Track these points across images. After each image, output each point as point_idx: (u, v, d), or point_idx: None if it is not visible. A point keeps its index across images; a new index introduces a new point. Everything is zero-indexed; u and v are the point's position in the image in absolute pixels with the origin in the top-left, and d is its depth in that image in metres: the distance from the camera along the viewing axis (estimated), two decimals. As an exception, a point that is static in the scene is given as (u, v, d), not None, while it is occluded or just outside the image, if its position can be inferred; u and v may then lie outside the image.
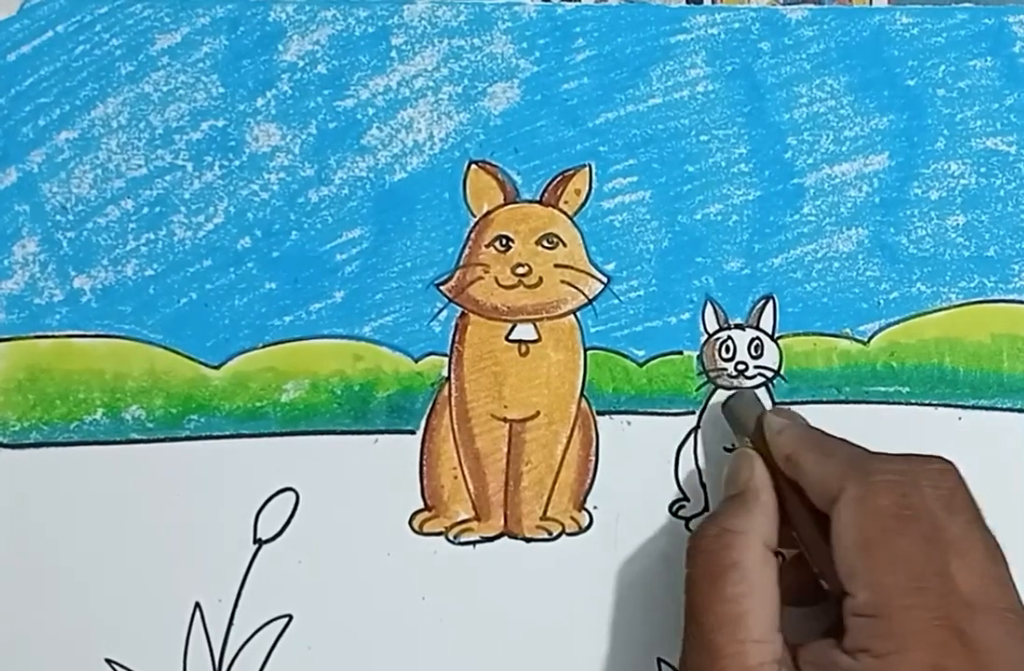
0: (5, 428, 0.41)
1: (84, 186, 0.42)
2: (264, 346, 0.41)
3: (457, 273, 0.41)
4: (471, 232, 0.42)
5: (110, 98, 0.42)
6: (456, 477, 0.41)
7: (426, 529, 0.41)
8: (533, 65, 0.42)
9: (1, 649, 0.40)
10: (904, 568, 0.31)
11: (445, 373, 0.41)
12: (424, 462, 0.41)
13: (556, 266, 0.41)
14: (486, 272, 0.41)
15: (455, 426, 0.41)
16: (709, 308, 0.42)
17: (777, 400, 0.41)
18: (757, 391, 0.41)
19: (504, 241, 0.41)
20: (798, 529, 0.35)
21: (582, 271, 0.41)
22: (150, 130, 0.42)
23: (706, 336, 0.41)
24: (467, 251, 0.42)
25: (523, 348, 0.41)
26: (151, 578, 0.40)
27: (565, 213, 0.42)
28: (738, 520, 0.35)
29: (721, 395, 0.41)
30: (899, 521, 0.32)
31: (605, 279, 0.42)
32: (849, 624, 0.31)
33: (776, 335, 0.42)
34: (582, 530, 0.41)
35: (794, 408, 0.41)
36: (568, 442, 0.41)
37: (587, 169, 0.42)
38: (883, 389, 0.41)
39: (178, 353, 0.41)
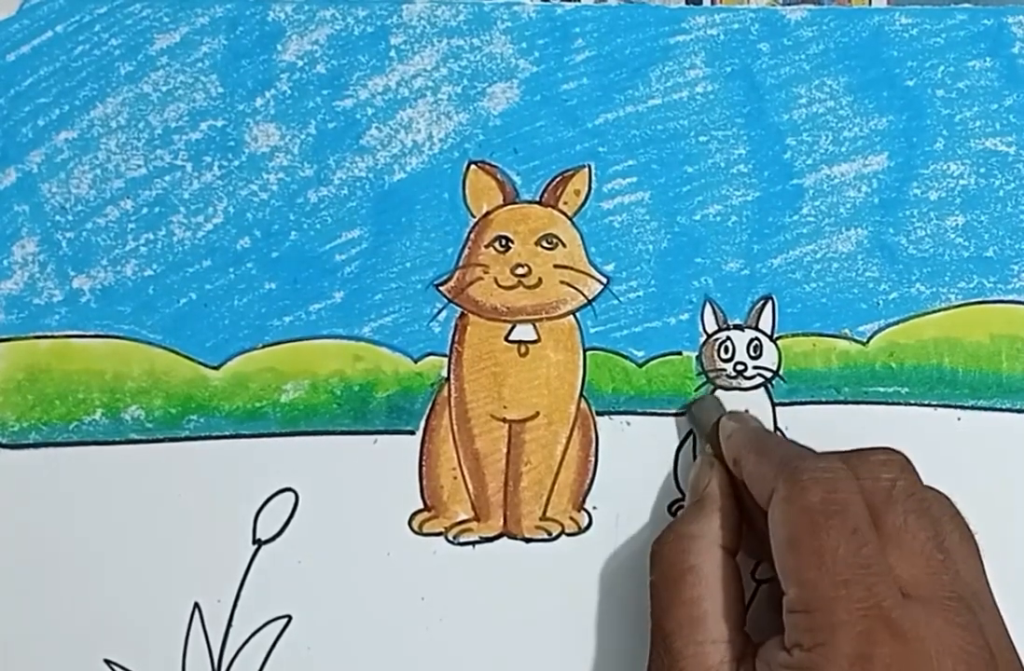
0: (4, 428, 0.41)
1: (83, 186, 0.41)
2: (264, 346, 0.41)
3: (456, 273, 0.41)
4: (470, 232, 0.42)
5: (109, 98, 0.42)
6: (455, 477, 0.41)
7: (425, 529, 0.41)
8: (532, 65, 0.42)
9: (1, 649, 0.40)
10: (829, 562, 0.31)
11: (445, 373, 0.41)
12: (423, 462, 0.41)
13: (555, 267, 0.41)
14: (485, 272, 0.41)
15: (455, 426, 0.41)
16: (708, 309, 0.42)
17: (776, 400, 0.41)
18: (756, 392, 0.41)
19: (503, 241, 0.41)
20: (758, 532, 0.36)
21: (581, 272, 0.41)
22: (149, 130, 0.42)
23: (705, 337, 0.41)
24: (466, 251, 0.42)
25: (522, 348, 0.41)
26: (150, 578, 0.40)
27: (564, 214, 0.42)
28: (695, 525, 0.36)
29: (721, 395, 0.41)
30: (825, 516, 0.32)
31: (604, 280, 0.42)
32: (785, 621, 0.32)
33: (775, 336, 0.42)
34: (581, 530, 0.41)
35: (793, 409, 0.41)
36: (567, 442, 0.41)
37: (586, 170, 0.42)
38: (882, 390, 0.42)
39: (178, 353, 0.41)
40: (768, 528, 0.34)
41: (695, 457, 0.41)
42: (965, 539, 0.34)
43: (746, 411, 0.41)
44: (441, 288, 0.41)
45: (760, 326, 0.42)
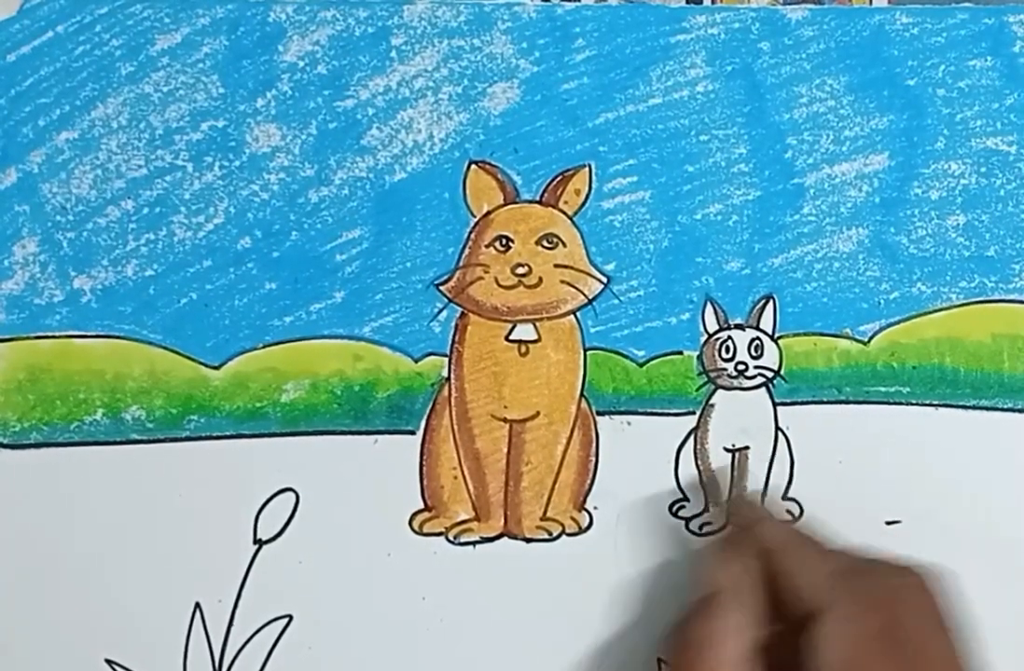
0: (5, 428, 0.41)
1: (84, 186, 0.42)
2: (264, 346, 0.41)
3: (457, 273, 0.41)
4: (471, 232, 0.42)
5: (110, 98, 0.42)
6: (456, 477, 0.41)
7: (426, 529, 0.41)
8: (533, 65, 0.42)
9: (1, 649, 0.40)
10: None
11: (445, 373, 0.41)
12: (424, 462, 0.41)
13: (556, 266, 0.41)
14: (486, 272, 0.41)
15: (455, 426, 0.41)
16: (709, 308, 0.42)
17: (777, 400, 0.41)
18: (757, 391, 0.41)
19: (504, 241, 0.41)
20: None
21: (582, 271, 0.41)
22: (150, 130, 0.42)
23: (706, 336, 0.41)
24: (467, 251, 0.42)
25: (523, 348, 0.41)
26: (151, 578, 0.40)
27: (565, 213, 0.42)
28: (707, 627, 0.34)
29: (722, 395, 0.41)
30: (884, 643, 0.32)
31: (605, 279, 0.42)
32: None
33: (776, 335, 0.42)
34: (582, 530, 0.41)
35: (794, 408, 0.41)
36: (568, 442, 0.41)
37: (587, 169, 0.42)
38: (883, 389, 0.41)
39: (178, 353, 0.41)
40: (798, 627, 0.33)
41: (696, 457, 0.41)
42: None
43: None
44: (441, 288, 0.41)
45: (761, 326, 0.42)
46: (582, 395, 0.41)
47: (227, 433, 0.41)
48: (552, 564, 0.41)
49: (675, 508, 0.41)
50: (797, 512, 0.41)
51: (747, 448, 0.41)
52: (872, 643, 0.32)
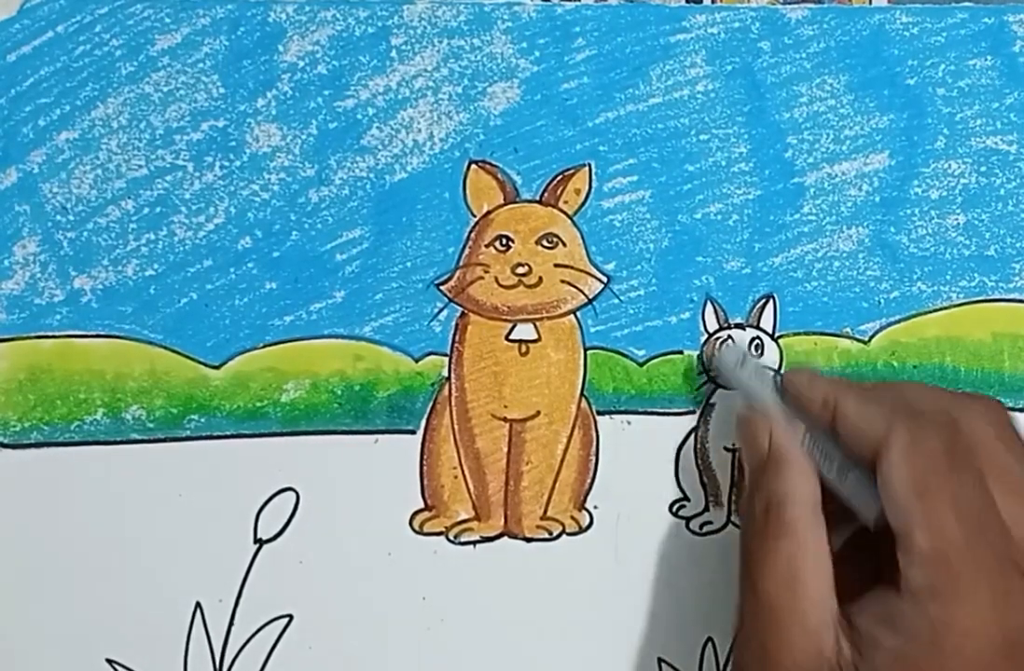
0: (6, 428, 0.41)
1: (84, 186, 0.42)
2: (264, 346, 0.41)
3: (457, 273, 0.41)
4: (471, 232, 0.42)
5: (110, 98, 0.42)
6: (456, 477, 0.41)
7: (426, 529, 0.41)
8: (533, 65, 0.42)
9: (1, 649, 0.40)
10: (961, 508, 0.31)
11: (445, 373, 0.41)
12: (424, 462, 0.41)
13: (556, 266, 0.41)
14: (486, 272, 0.41)
15: (455, 426, 0.41)
16: (709, 307, 0.42)
17: (777, 399, 0.41)
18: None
19: (504, 241, 0.41)
20: (830, 471, 0.35)
21: (582, 271, 0.41)
22: (150, 130, 0.42)
23: (706, 335, 0.41)
24: (467, 251, 0.42)
25: (523, 348, 0.41)
26: (152, 578, 0.40)
27: (565, 213, 0.42)
28: (780, 484, 0.34)
29: (722, 394, 0.41)
30: (953, 460, 0.31)
31: (605, 279, 0.42)
32: (908, 569, 0.31)
33: (776, 334, 0.42)
34: (582, 530, 0.41)
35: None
36: (568, 442, 0.41)
37: (587, 169, 0.42)
38: (884, 388, 0.41)
39: (178, 353, 0.41)
40: (850, 475, 0.33)
41: (696, 456, 0.41)
42: None
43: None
44: (442, 287, 0.41)
45: (761, 325, 0.42)
46: (582, 395, 0.41)
47: (227, 433, 0.41)
48: (552, 563, 0.41)
49: (675, 508, 0.41)
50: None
51: (747, 447, 0.41)
52: (938, 460, 0.31)
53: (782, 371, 0.41)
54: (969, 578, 0.30)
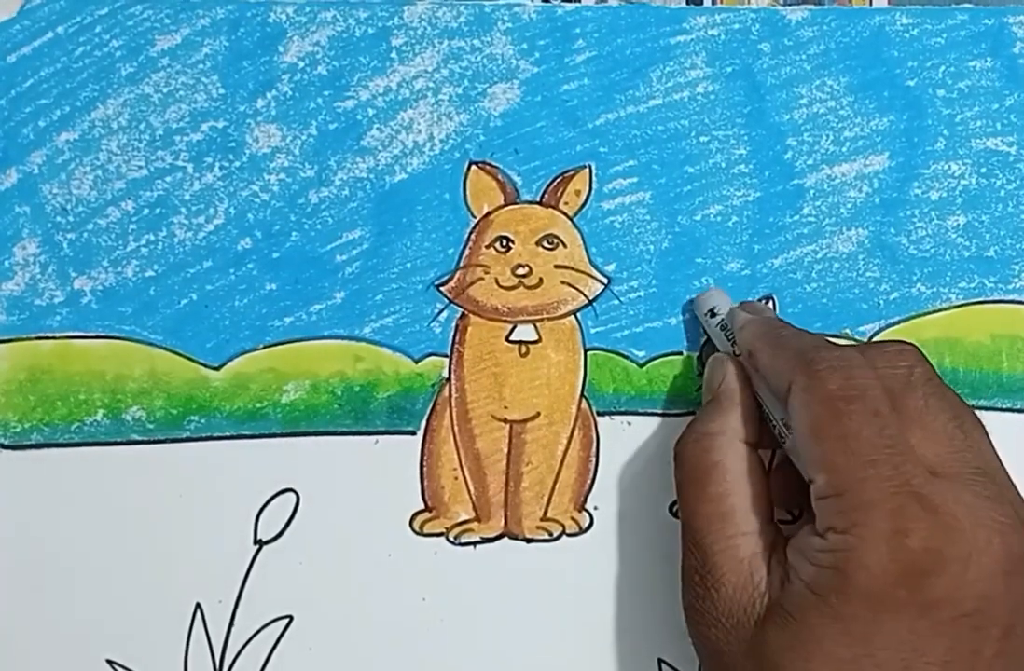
0: (6, 429, 0.41)
1: (84, 187, 0.42)
2: (264, 347, 0.41)
3: (457, 274, 0.42)
4: (471, 233, 0.42)
5: (110, 99, 0.42)
6: (456, 478, 0.41)
7: (426, 530, 0.41)
8: (533, 66, 0.42)
9: (1, 649, 0.40)
10: (854, 445, 0.31)
11: (445, 374, 0.41)
12: (424, 463, 0.41)
13: (556, 267, 0.41)
14: (486, 273, 0.41)
15: (455, 427, 0.41)
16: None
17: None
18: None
19: (504, 242, 0.41)
20: (775, 423, 0.36)
21: (582, 272, 0.42)
22: (150, 131, 0.42)
23: (706, 337, 0.41)
24: (467, 252, 0.42)
25: (523, 349, 0.41)
26: (152, 579, 0.40)
27: (565, 214, 0.42)
28: (714, 423, 0.36)
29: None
30: (845, 402, 0.32)
31: (605, 280, 0.42)
32: (816, 508, 0.32)
33: (776, 336, 0.42)
34: (583, 531, 0.41)
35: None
36: (568, 443, 0.41)
37: (587, 170, 0.42)
38: (883, 389, 0.41)
39: (178, 354, 0.41)
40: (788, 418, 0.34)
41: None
42: (977, 422, 0.34)
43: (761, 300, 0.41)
44: (442, 288, 0.41)
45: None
46: (582, 396, 0.41)
47: (227, 434, 0.41)
48: (552, 564, 0.41)
49: (675, 508, 0.41)
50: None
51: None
52: (832, 403, 0.32)
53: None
54: (862, 511, 0.30)
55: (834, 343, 0.35)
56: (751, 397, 0.37)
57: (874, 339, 0.42)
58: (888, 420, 0.32)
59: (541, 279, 0.41)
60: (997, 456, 0.34)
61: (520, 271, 0.41)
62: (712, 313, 0.40)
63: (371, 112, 0.42)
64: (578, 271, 0.41)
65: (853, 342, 0.42)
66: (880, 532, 0.30)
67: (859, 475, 0.31)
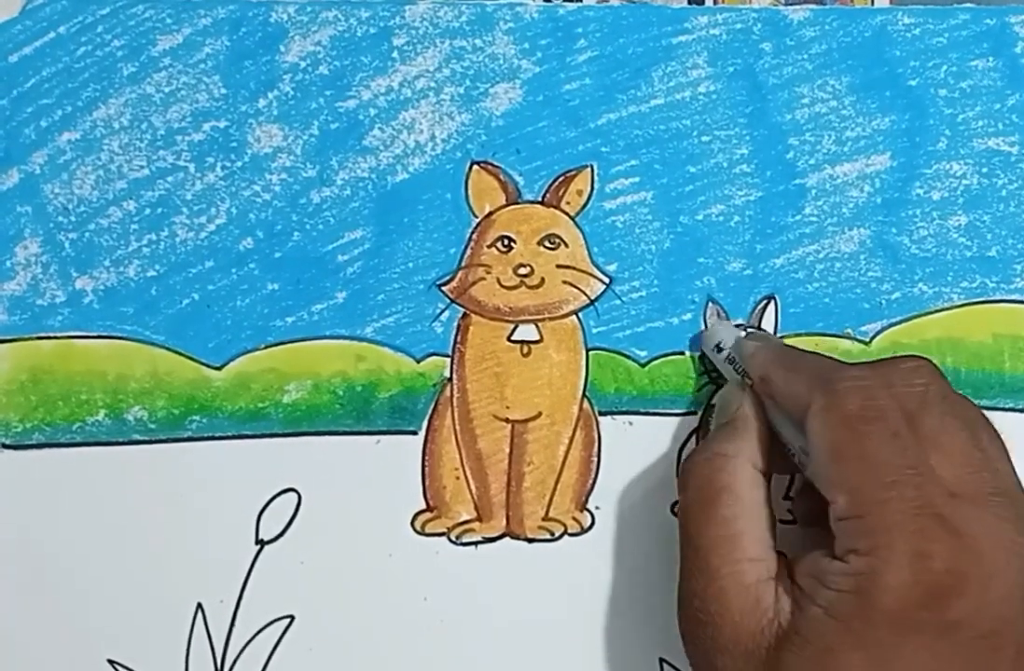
0: (8, 429, 0.41)
1: (86, 187, 0.42)
2: (266, 347, 0.41)
3: (459, 274, 0.41)
4: (473, 233, 0.42)
5: (112, 99, 0.42)
6: (458, 478, 0.41)
7: (428, 530, 0.41)
8: (535, 66, 0.42)
9: (2, 649, 0.40)
10: (874, 467, 0.31)
11: (447, 374, 0.41)
12: (426, 463, 0.41)
13: (558, 267, 0.41)
14: (488, 273, 0.41)
15: (457, 427, 0.41)
16: (711, 308, 0.42)
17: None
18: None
19: (506, 242, 0.41)
20: (792, 449, 0.35)
21: (584, 272, 0.41)
22: (152, 131, 0.42)
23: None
24: (469, 252, 0.42)
25: (525, 349, 0.41)
26: (153, 579, 0.40)
27: (567, 214, 0.42)
28: (728, 445, 0.36)
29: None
30: (865, 423, 0.32)
31: (607, 280, 0.42)
32: (835, 530, 0.32)
33: (778, 335, 0.42)
34: (584, 530, 0.41)
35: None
36: (570, 443, 0.41)
37: (589, 170, 0.42)
38: (885, 389, 0.41)
39: (180, 354, 0.41)
40: (806, 441, 0.34)
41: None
42: (995, 438, 0.34)
43: (760, 329, 0.41)
44: (444, 288, 0.41)
45: (763, 326, 0.42)
46: (584, 395, 0.41)
47: (229, 433, 0.41)
48: (554, 564, 0.41)
49: (677, 508, 0.41)
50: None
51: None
52: (851, 422, 0.32)
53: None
54: (884, 534, 0.30)
55: (849, 364, 0.35)
56: (765, 425, 0.36)
57: (875, 339, 0.42)
58: (908, 441, 0.32)
59: (543, 279, 0.41)
60: (1014, 471, 0.33)
61: (522, 271, 0.41)
62: (719, 348, 0.40)
63: (373, 112, 0.42)
64: (580, 271, 0.41)
65: (857, 341, 0.42)
66: (903, 554, 0.30)
67: (880, 497, 0.31)
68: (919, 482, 0.31)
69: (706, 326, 0.41)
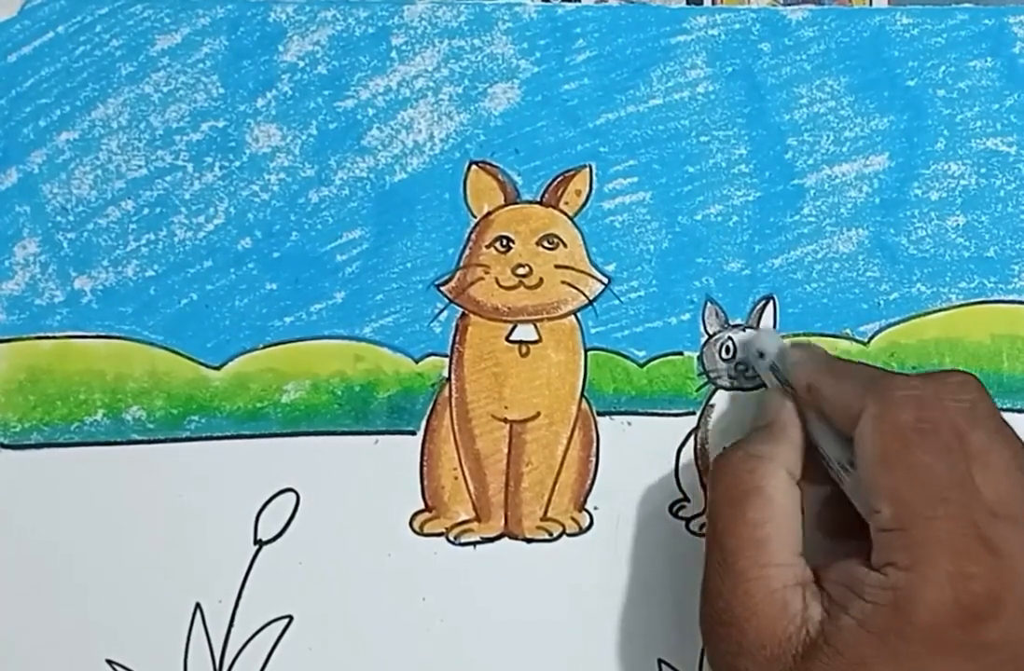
0: (6, 429, 0.41)
1: (84, 187, 0.41)
2: (265, 347, 0.41)
3: (457, 274, 0.41)
4: (471, 233, 0.42)
5: (110, 99, 0.42)
6: (456, 478, 0.41)
7: (426, 530, 0.41)
8: (533, 66, 0.42)
9: (1, 649, 0.40)
10: (925, 480, 0.31)
11: (445, 374, 0.41)
12: (424, 463, 0.41)
13: (557, 267, 0.41)
14: (487, 273, 0.41)
15: (455, 427, 0.41)
16: (709, 309, 0.42)
17: (777, 401, 0.41)
18: (758, 392, 0.41)
19: (504, 242, 0.41)
20: (829, 460, 0.35)
21: (582, 272, 0.41)
22: (150, 131, 0.42)
23: (706, 337, 0.41)
24: (467, 252, 0.42)
25: (523, 349, 0.41)
26: (151, 579, 0.40)
27: (565, 214, 0.42)
28: (764, 447, 0.36)
29: (722, 395, 0.41)
30: (919, 434, 0.32)
31: (605, 280, 0.42)
32: (876, 540, 0.32)
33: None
34: (582, 531, 0.41)
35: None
36: (568, 443, 0.41)
37: (587, 170, 0.42)
38: (883, 390, 0.41)
39: (179, 354, 0.41)
40: (841, 455, 0.34)
41: (696, 457, 0.41)
42: None
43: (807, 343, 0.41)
44: (442, 288, 0.41)
45: (762, 326, 0.42)
46: (583, 396, 0.41)
47: (228, 433, 0.41)
48: (552, 564, 0.41)
49: (675, 508, 0.41)
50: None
51: (747, 448, 0.41)
52: (905, 433, 0.32)
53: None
54: (928, 550, 0.30)
55: (900, 373, 0.35)
56: (803, 433, 0.36)
57: (873, 339, 0.42)
58: (958, 457, 0.31)
59: (541, 279, 0.41)
60: None
61: (520, 271, 0.41)
62: (761, 355, 0.39)
63: (371, 112, 0.42)
64: (578, 271, 0.41)
65: (855, 341, 0.42)
66: (945, 573, 0.30)
67: (928, 513, 0.30)
68: (966, 500, 0.31)
69: (705, 326, 0.41)
